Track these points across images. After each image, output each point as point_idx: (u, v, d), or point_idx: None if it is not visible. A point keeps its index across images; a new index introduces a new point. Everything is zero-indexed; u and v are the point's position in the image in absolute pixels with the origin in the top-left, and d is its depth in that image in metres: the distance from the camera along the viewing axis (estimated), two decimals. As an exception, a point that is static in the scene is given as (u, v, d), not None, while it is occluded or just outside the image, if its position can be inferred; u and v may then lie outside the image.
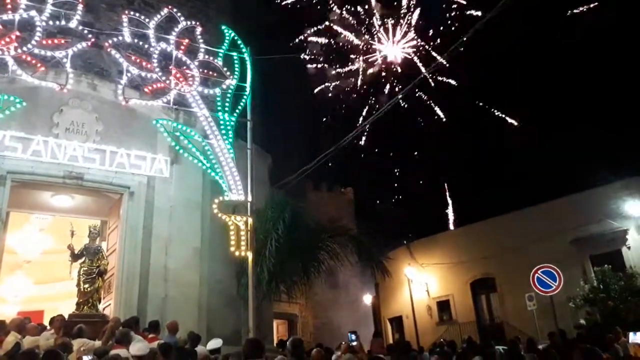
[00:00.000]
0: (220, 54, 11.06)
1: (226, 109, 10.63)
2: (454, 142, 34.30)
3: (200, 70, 10.70)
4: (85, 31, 9.91)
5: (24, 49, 8.98)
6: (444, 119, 35.74)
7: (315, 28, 35.72)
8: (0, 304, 13.69)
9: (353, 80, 36.85)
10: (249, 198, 10.15)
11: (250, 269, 9.83)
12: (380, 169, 37.49)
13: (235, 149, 10.53)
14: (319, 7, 35.62)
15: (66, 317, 8.80)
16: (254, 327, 9.50)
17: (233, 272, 11.54)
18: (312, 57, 36.15)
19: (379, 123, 23.47)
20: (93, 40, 10.06)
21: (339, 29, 35.75)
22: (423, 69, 33.02)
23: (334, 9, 35.43)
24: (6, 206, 10.10)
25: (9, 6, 9.06)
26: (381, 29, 35.54)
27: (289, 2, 34.54)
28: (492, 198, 25.73)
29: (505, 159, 30.52)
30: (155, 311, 10.26)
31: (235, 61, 11.06)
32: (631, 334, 9.64)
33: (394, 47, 35.53)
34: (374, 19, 35.86)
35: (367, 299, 26.49)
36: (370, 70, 36.56)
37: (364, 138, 34.93)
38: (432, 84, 34.80)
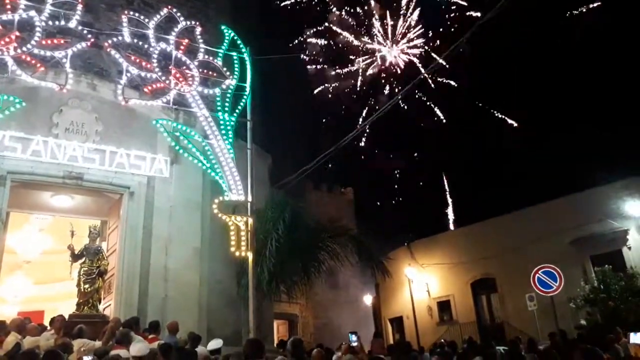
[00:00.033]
0: (220, 54, 11.04)
1: (226, 109, 10.60)
2: (454, 143, 34.35)
3: (200, 70, 10.67)
4: (85, 31, 9.89)
5: (24, 49, 8.96)
6: (444, 120, 35.81)
7: (315, 29, 35.79)
8: (0, 304, 13.66)
9: (353, 81, 36.91)
10: (249, 198, 10.13)
11: (250, 269, 9.82)
12: (380, 169, 37.54)
13: (235, 149, 10.51)
14: (318, 8, 35.69)
15: (66, 317, 8.77)
16: (254, 328, 9.49)
17: (233, 272, 11.53)
18: (312, 57, 36.21)
19: (379, 123, 23.51)
20: (92, 40, 10.04)
21: (339, 30, 35.81)
22: (422, 70, 33.08)
23: (333, 10, 35.49)
24: (6, 206, 10.10)
25: (9, 6, 9.05)
26: (381, 30, 35.59)
27: (288, 2, 34.58)
28: (492, 198, 25.73)
29: (505, 160, 30.56)
30: (156, 311, 10.25)
31: (235, 61, 11.04)
32: (632, 335, 9.60)
33: (394, 48, 35.58)
34: (374, 20, 35.91)
35: (368, 299, 26.43)
36: (370, 71, 36.61)
37: (363, 139, 34.98)
38: (432, 85, 34.88)
